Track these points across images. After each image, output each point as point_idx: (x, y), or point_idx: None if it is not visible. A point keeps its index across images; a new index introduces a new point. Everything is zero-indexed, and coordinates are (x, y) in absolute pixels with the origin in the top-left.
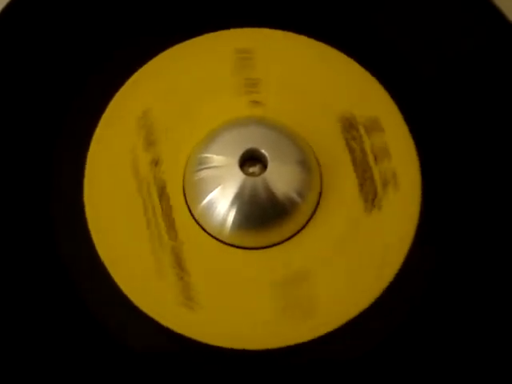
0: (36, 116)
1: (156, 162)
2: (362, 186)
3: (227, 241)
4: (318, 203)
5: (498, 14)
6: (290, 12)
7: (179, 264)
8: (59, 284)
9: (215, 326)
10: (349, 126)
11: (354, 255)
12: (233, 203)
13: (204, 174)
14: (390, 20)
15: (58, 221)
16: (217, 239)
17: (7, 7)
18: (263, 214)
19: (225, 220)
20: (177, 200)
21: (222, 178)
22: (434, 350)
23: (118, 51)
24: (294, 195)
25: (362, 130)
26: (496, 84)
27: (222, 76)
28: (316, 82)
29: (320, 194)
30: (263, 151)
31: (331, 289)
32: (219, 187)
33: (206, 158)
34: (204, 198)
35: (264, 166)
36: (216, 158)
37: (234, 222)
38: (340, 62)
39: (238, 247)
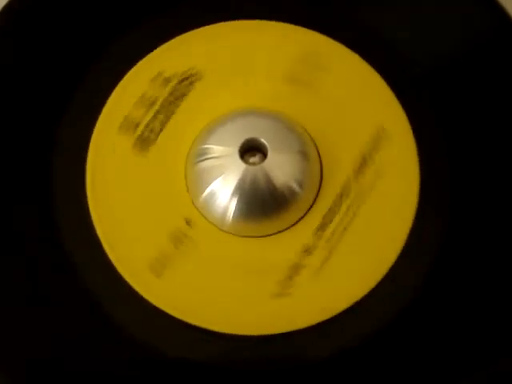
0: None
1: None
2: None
3: (229, 230)
4: (318, 192)
5: (498, 8)
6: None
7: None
8: (61, 272)
9: (218, 314)
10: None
11: (355, 244)
12: (234, 193)
13: (205, 164)
14: (390, 15)
15: (61, 219)
16: (219, 228)
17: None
18: (264, 203)
19: (226, 210)
20: (179, 191)
21: (223, 168)
22: (424, 351)
23: (108, 50)
24: (294, 185)
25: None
26: (496, 80)
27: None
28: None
29: (320, 183)
30: (263, 141)
31: (329, 277)
32: (220, 177)
33: (207, 148)
34: (205, 189)
35: (264, 156)
36: (216, 149)
37: (235, 211)
38: (339, 53)
39: (239, 236)
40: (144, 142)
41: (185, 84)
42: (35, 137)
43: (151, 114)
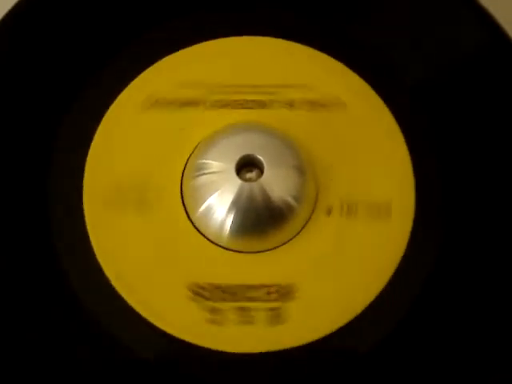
0: (32, 122)
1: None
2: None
3: (225, 245)
4: (314, 208)
5: (489, 19)
6: (285, 21)
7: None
8: (55, 283)
9: (212, 328)
10: None
11: (350, 259)
12: (230, 209)
13: (202, 180)
14: (386, 29)
15: (55, 221)
16: (215, 244)
17: (12, 10)
18: (260, 219)
19: (223, 225)
20: (175, 206)
21: (220, 184)
22: (420, 366)
23: (126, 48)
24: (291, 200)
25: None
26: (492, 93)
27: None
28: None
29: (316, 198)
30: (259, 157)
31: (327, 293)
32: (217, 193)
33: (204, 164)
34: (202, 204)
35: (260, 172)
36: (213, 164)
37: (231, 227)
38: (336, 70)
39: (235, 252)
40: None
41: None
42: (35, 139)
43: None
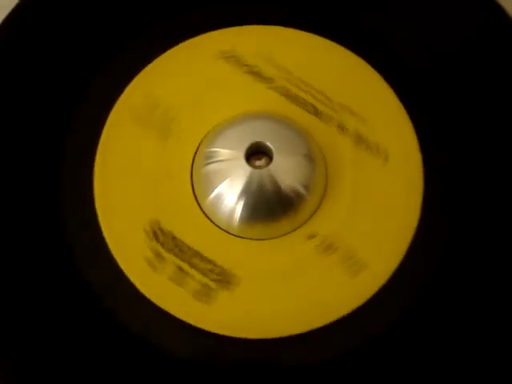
0: (43, 115)
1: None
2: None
3: (235, 233)
4: (323, 195)
5: (497, 7)
6: (290, 9)
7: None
8: (65, 268)
9: (221, 315)
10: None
11: (359, 247)
12: (240, 196)
13: (211, 167)
14: (390, 16)
15: (67, 217)
16: (225, 231)
17: (15, 9)
18: (270, 206)
19: (233, 212)
20: (185, 193)
21: (229, 172)
22: (434, 347)
23: (119, 53)
24: (300, 187)
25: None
26: (494, 77)
27: (228, 72)
28: (318, 76)
29: (325, 186)
30: (269, 144)
31: (334, 279)
32: (226, 180)
33: (213, 152)
34: (212, 192)
35: (270, 159)
36: (223, 152)
37: (241, 214)
38: (341, 56)
39: (245, 239)
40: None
41: None
42: (46, 132)
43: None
